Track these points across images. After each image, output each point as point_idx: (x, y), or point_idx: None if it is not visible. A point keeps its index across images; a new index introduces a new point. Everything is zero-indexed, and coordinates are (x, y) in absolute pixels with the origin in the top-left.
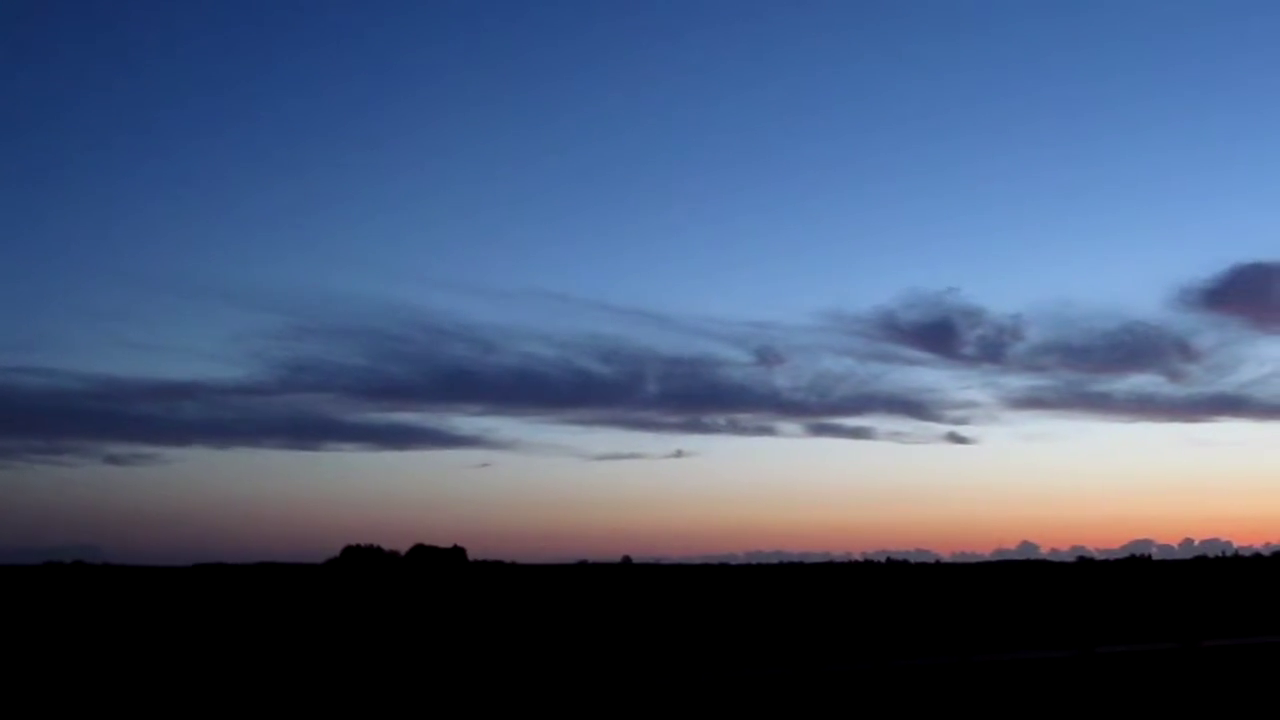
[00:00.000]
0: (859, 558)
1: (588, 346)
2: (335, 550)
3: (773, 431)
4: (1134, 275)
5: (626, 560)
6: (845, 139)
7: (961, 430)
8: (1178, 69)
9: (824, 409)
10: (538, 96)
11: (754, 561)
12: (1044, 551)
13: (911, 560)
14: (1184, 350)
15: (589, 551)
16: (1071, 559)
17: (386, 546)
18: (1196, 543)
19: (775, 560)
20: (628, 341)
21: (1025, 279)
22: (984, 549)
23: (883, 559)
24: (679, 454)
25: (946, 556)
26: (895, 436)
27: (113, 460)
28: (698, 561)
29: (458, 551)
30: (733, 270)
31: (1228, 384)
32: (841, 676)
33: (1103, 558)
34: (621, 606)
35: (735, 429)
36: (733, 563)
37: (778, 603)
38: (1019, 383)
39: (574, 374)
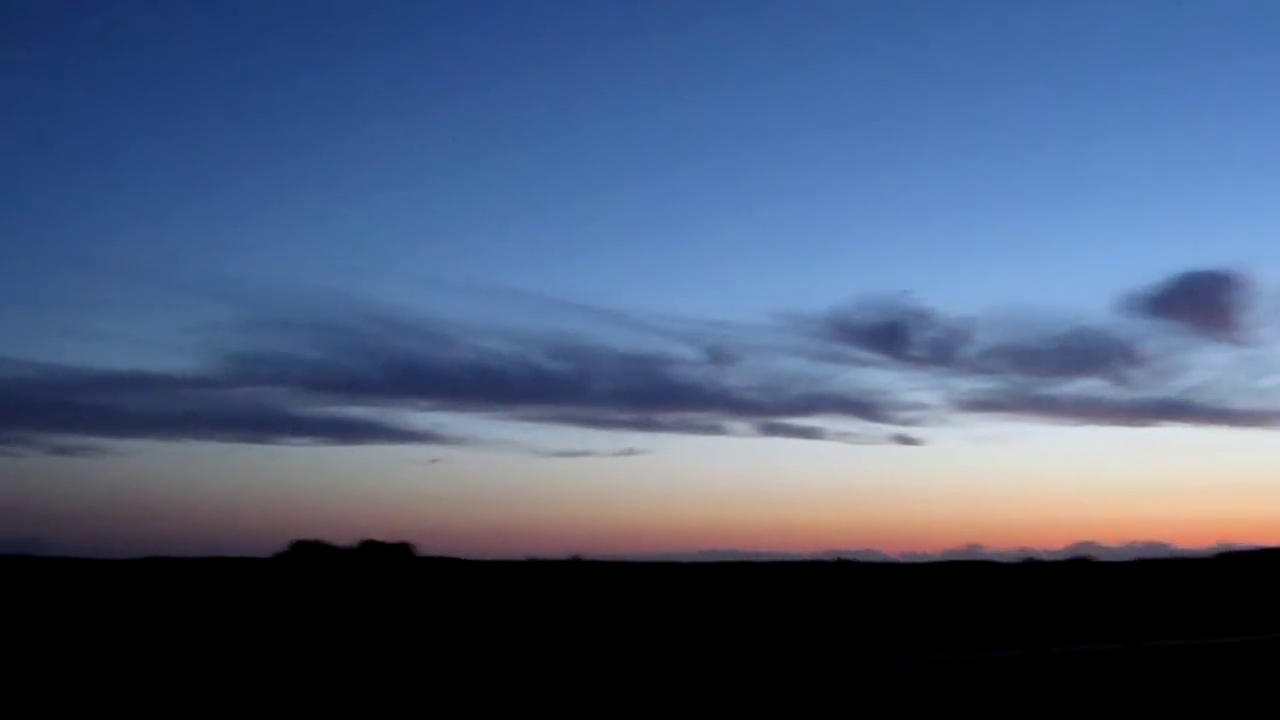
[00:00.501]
0: (808, 557)
1: (541, 343)
2: (284, 544)
3: (724, 430)
4: (1083, 281)
5: (576, 559)
6: (801, 140)
7: (911, 432)
8: (1124, 76)
9: (775, 409)
10: (493, 91)
11: (703, 560)
12: (990, 552)
13: (860, 560)
14: (1130, 355)
15: (539, 548)
16: (1018, 560)
17: (335, 541)
18: (1139, 545)
19: (724, 559)
20: (581, 338)
21: (977, 283)
22: (932, 549)
23: (832, 558)
24: (630, 452)
25: (894, 556)
26: (845, 437)
27: (60, 451)
28: (648, 559)
29: (407, 547)
30: (688, 269)
31: (1172, 389)
32: (799, 675)
33: (1048, 559)
34: (571, 604)
35: (686, 427)
36: (682, 561)
37: (727, 601)
38: (968, 385)
39: (527, 370)
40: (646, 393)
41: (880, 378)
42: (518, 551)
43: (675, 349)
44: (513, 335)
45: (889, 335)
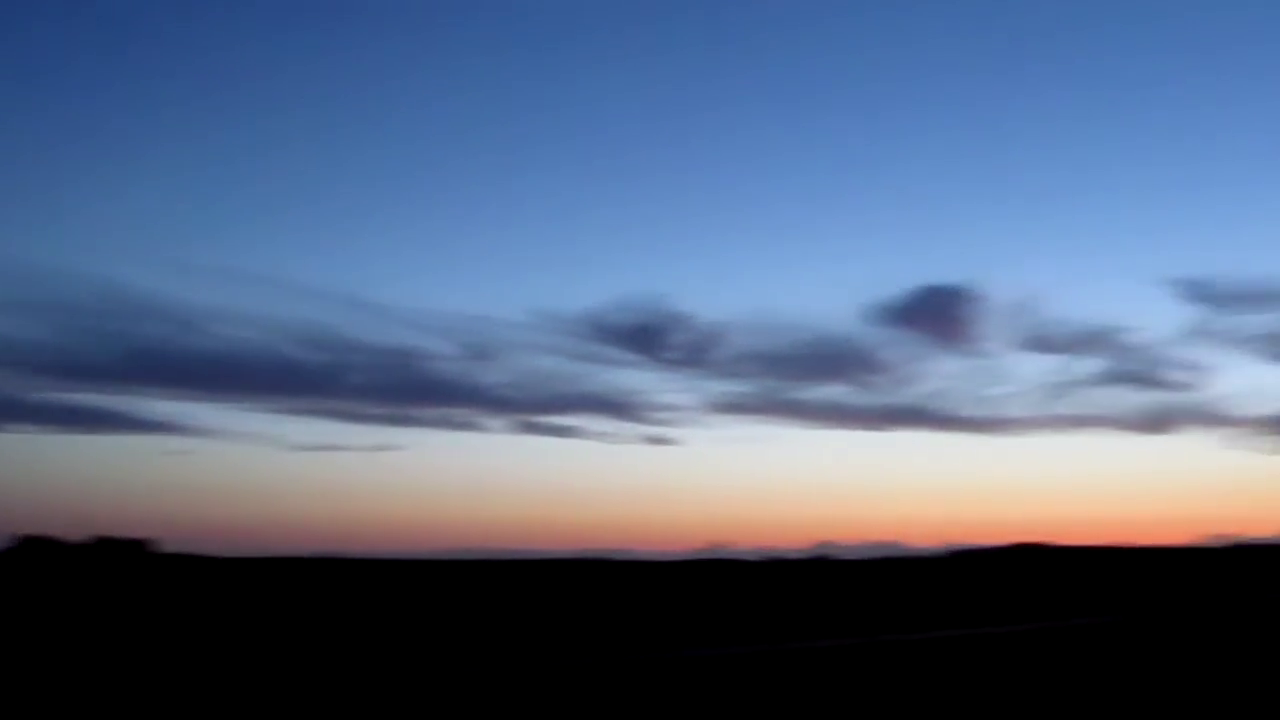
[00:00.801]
0: (557, 554)
1: (292, 332)
2: (10, 540)
3: (480, 427)
4: (831, 290)
5: (325, 557)
6: (563, 142)
7: (664, 432)
8: (869, 95)
9: (531, 406)
10: (246, 73)
11: (455, 558)
12: (735, 551)
13: (608, 558)
14: (872, 363)
15: (286, 545)
16: (761, 558)
17: (67, 537)
18: (875, 544)
19: (478, 557)
20: (335, 329)
21: (731, 287)
22: (679, 548)
23: (580, 556)
24: (383, 447)
25: (643, 554)
26: (600, 436)
27: None
28: (399, 557)
29: (143, 544)
30: (446, 262)
31: (909, 395)
32: (544, 676)
33: (790, 557)
34: (312, 602)
35: (442, 423)
36: (436, 559)
37: (479, 600)
38: (720, 388)
39: (277, 360)
40: (402, 387)
41: (636, 378)
42: (263, 548)
43: (432, 343)
44: (263, 323)
45: (645, 336)
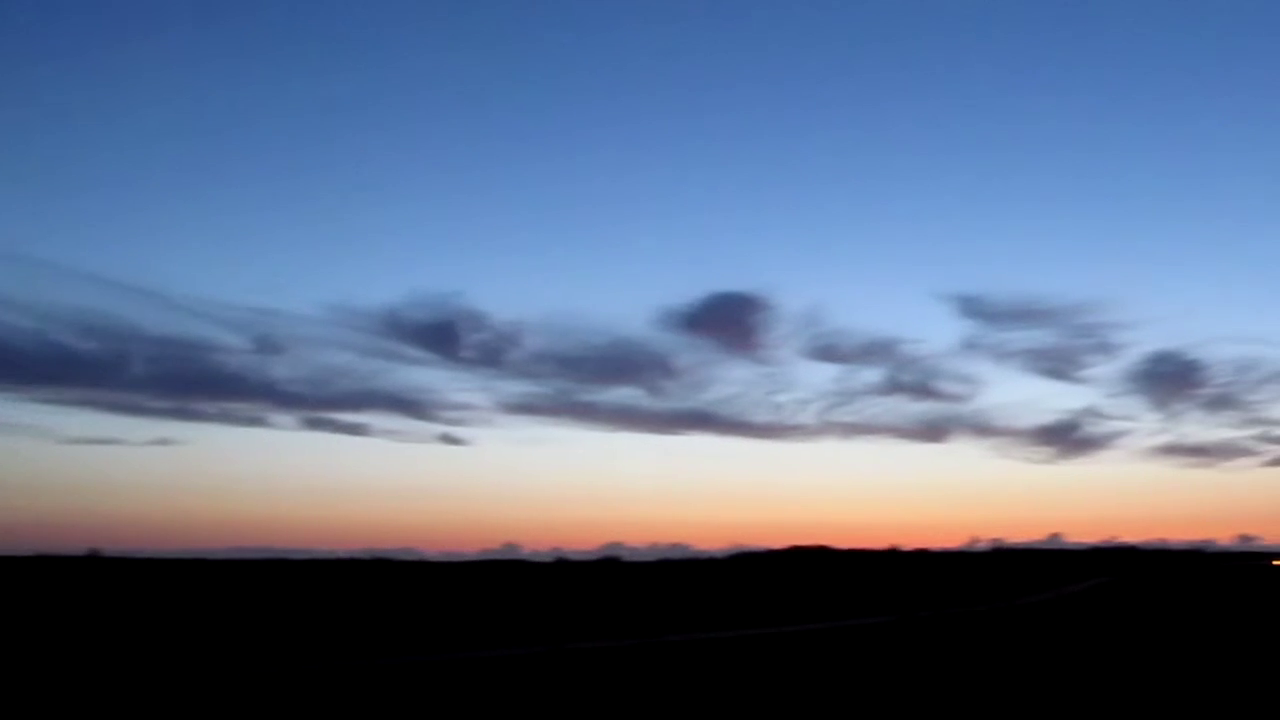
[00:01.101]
0: (344, 555)
1: (68, 319)
2: None
3: (267, 423)
4: (626, 294)
5: (94, 554)
6: (361, 133)
7: (456, 431)
8: (660, 103)
9: (321, 403)
10: (21, 52)
11: (234, 557)
12: (525, 552)
13: (397, 558)
14: (664, 367)
15: (55, 542)
16: (550, 560)
17: None
18: (663, 545)
19: (257, 556)
20: (114, 318)
21: (528, 288)
22: (470, 548)
23: (367, 557)
24: (164, 441)
25: (432, 555)
26: (391, 434)
27: None
28: (175, 556)
29: None
30: (236, 252)
31: (699, 400)
32: (307, 678)
33: (579, 558)
34: (81, 602)
35: (227, 418)
36: (211, 558)
37: (255, 600)
38: (515, 388)
39: (50, 348)
40: (185, 380)
41: (429, 376)
42: (32, 546)
43: (219, 335)
44: (34, 309)
45: (440, 334)
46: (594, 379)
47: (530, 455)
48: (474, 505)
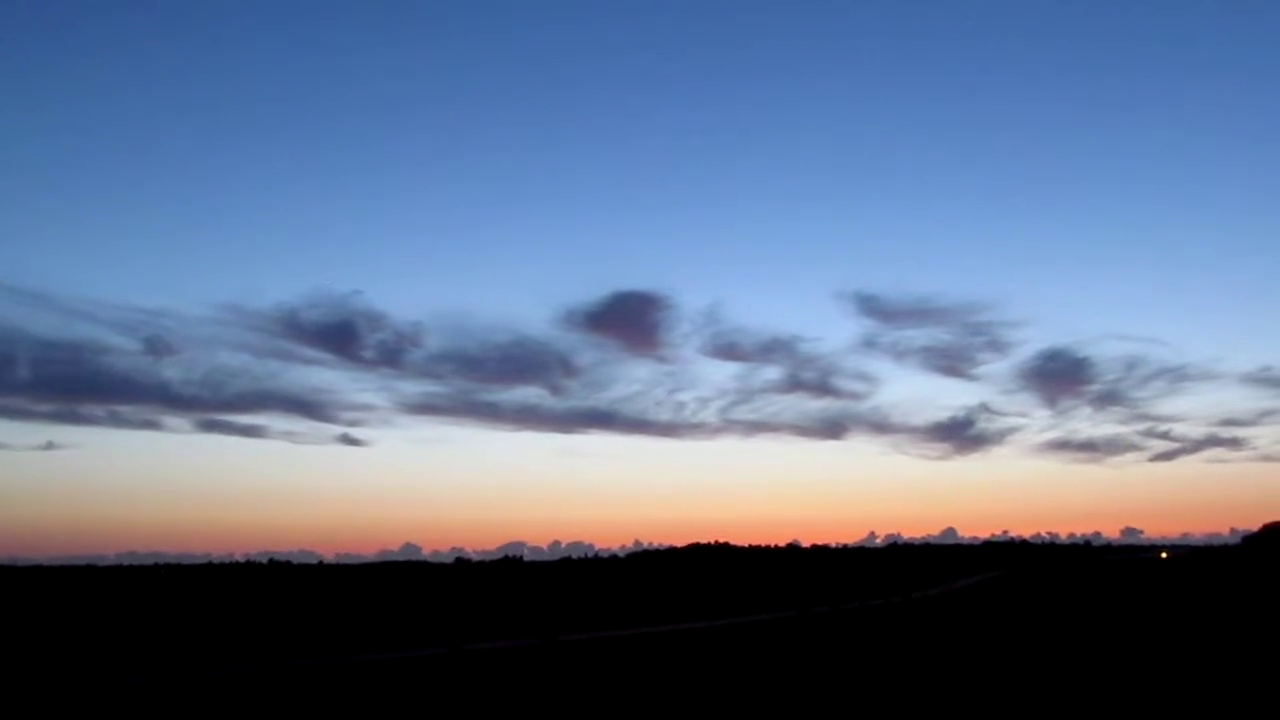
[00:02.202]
0: (240, 558)
1: None
2: None
3: (159, 426)
4: (527, 293)
5: None
6: (254, 132)
7: (355, 432)
8: (560, 106)
9: (216, 405)
10: None
11: (126, 563)
12: (426, 553)
13: (294, 561)
14: (565, 367)
15: None
16: (451, 560)
17: None
18: (564, 544)
19: (150, 561)
20: None
21: (428, 288)
22: (368, 550)
23: (264, 560)
24: (49, 446)
25: (330, 557)
26: (289, 436)
27: None
28: (60, 563)
29: None
30: (124, 252)
31: (600, 400)
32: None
33: (480, 558)
34: None
35: (117, 421)
36: (101, 564)
37: (144, 607)
38: (415, 389)
39: None
40: (72, 382)
41: (327, 377)
42: None
43: (107, 337)
44: None
45: (339, 335)
46: (495, 379)
47: (430, 455)
48: (373, 506)
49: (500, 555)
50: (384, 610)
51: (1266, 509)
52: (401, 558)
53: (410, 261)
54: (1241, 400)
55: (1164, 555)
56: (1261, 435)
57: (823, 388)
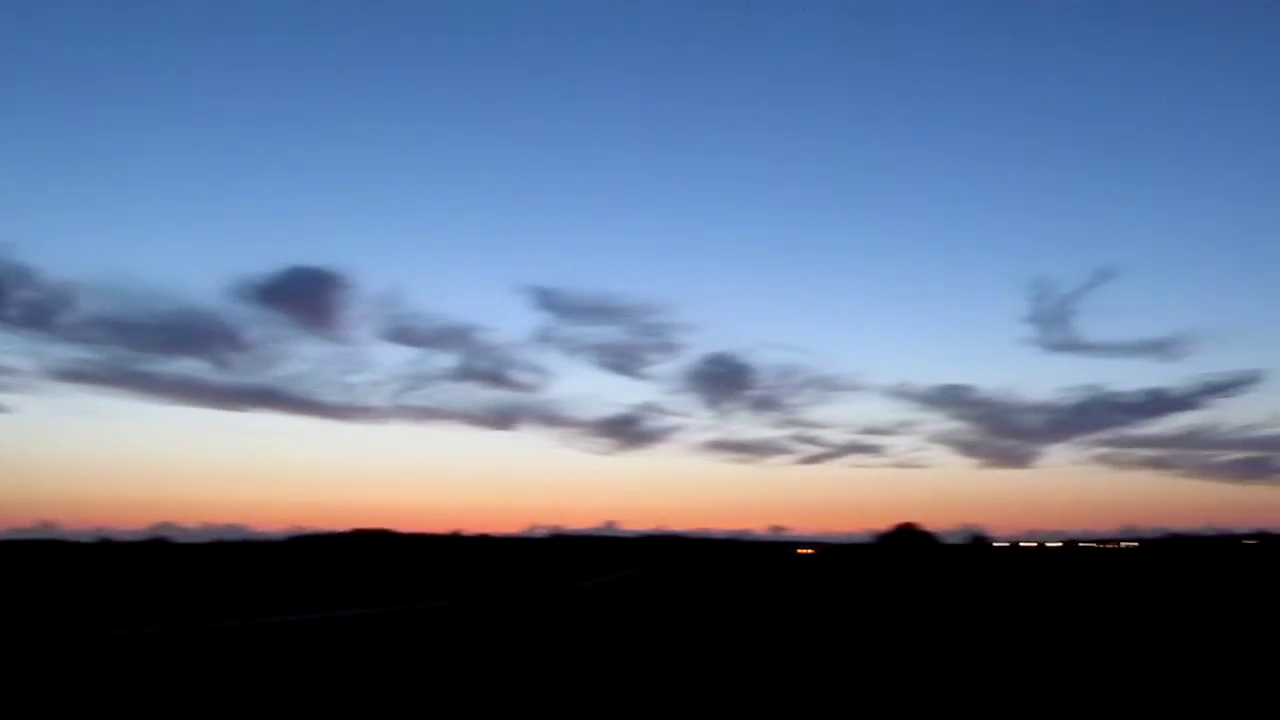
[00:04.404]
0: None
1: None
2: None
3: None
4: (197, 260)
5: None
6: None
7: None
8: (243, 76)
9: None
10: None
11: None
12: (64, 531)
13: None
14: (234, 340)
15: None
16: (93, 540)
17: None
18: (218, 526)
19: None
20: None
21: (86, 245)
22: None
23: None
24: None
25: None
26: None
27: None
28: None
29: None
30: None
31: (268, 376)
32: None
33: (125, 539)
34: None
35: None
36: None
37: None
38: (66, 354)
39: None
40: None
41: None
42: None
43: None
44: None
45: None
46: (155, 348)
47: (77, 426)
48: (8, 479)
49: (147, 536)
50: (13, 594)
51: (900, 511)
52: (36, 536)
53: (70, 216)
54: (882, 411)
55: (800, 552)
56: (898, 444)
57: (496, 378)
